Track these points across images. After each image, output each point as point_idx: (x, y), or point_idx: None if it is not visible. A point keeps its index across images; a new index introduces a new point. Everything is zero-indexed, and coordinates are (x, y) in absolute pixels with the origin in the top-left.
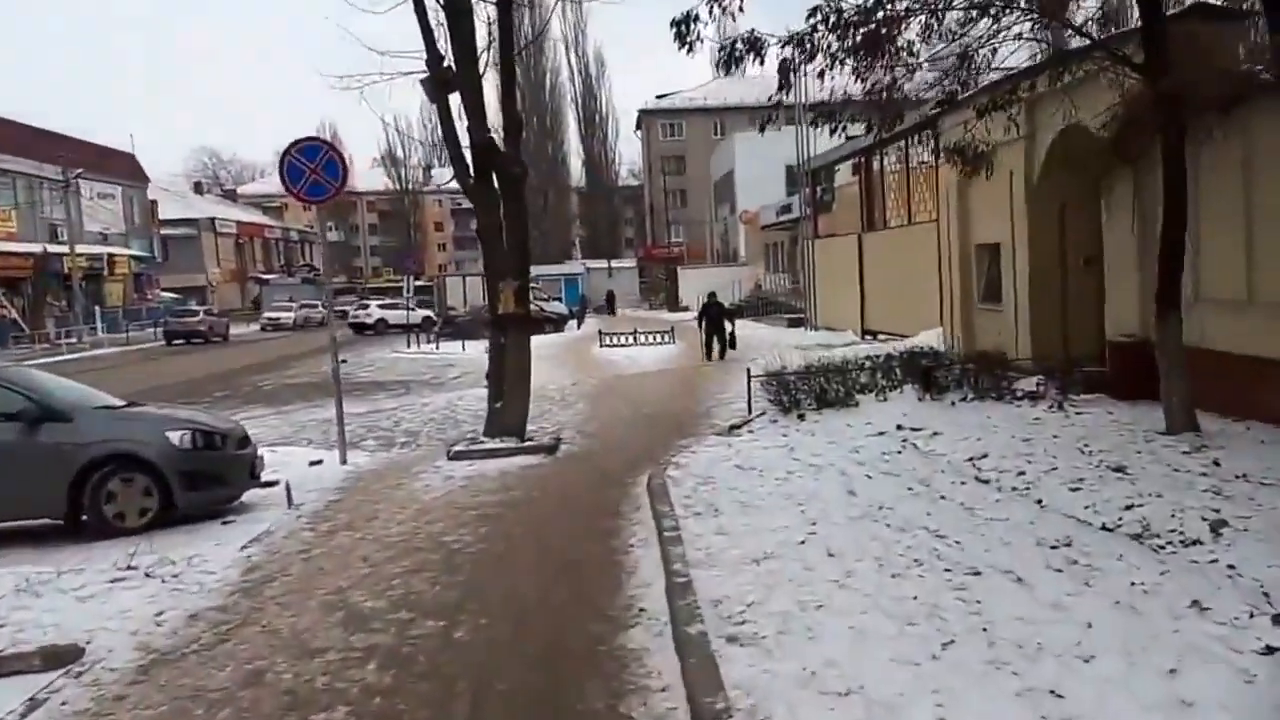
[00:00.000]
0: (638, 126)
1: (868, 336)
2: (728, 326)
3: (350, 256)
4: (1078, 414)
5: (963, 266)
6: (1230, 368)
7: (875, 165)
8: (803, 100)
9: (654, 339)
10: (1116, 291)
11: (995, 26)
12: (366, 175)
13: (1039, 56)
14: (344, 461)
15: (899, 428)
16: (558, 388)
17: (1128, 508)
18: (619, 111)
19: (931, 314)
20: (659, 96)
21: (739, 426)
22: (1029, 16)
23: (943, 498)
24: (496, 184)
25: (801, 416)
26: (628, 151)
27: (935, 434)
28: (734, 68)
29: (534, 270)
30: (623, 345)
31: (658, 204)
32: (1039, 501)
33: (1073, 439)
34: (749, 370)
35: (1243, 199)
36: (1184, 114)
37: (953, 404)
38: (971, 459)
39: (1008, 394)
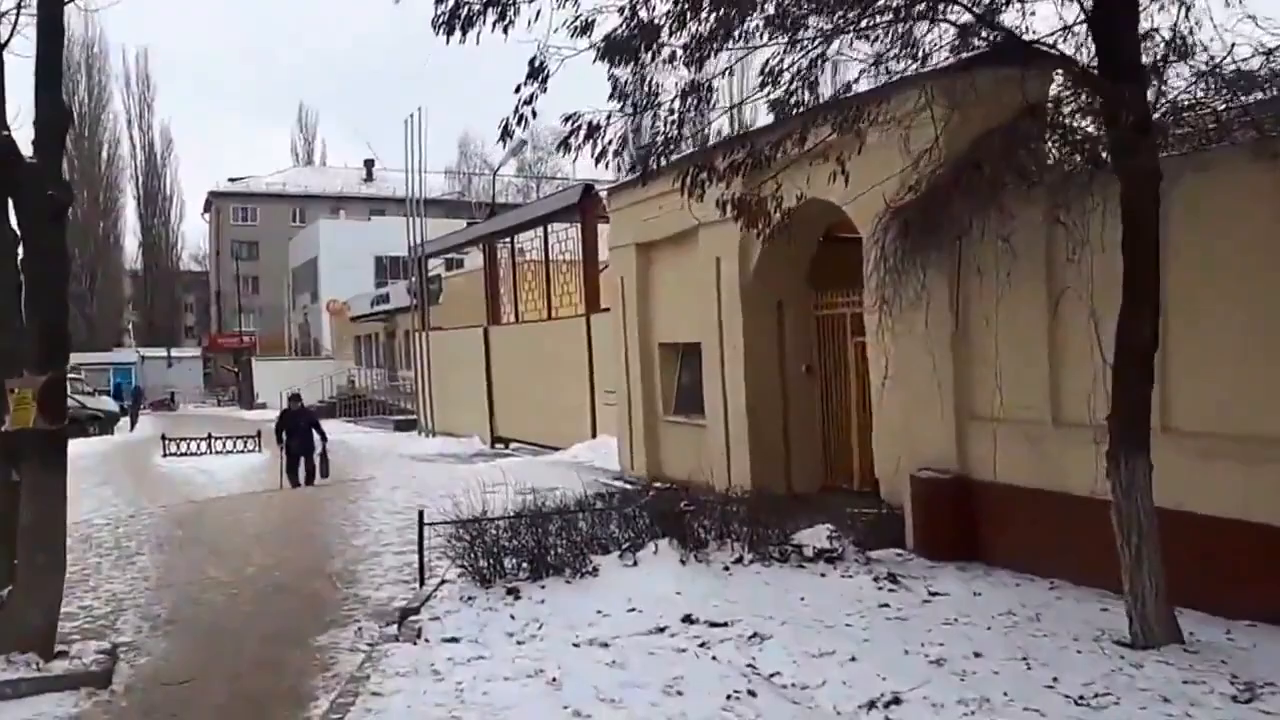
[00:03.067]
0: (206, 209)
1: (498, 445)
2: (317, 443)
3: None
4: (932, 594)
5: (645, 370)
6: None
7: (504, 251)
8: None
9: (235, 445)
10: (919, 413)
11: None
12: None
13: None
14: None
15: (688, 620)
16: (108, 522)
17: None
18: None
19: (582, 423)
20: (231, 180)
21: (415, 611)
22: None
23: None
24: (14, 215)
25: (514, 592)
26: (192, 236)
27: (755, 637)
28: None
29: (74, 358)
30: (194, 454)
31: (227, 289)
32: None
33: (1002, 653)
34: (420, 515)
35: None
36: (1153, 157)
37: (726, 569)
38: (873, 704)
39: (792, 552)
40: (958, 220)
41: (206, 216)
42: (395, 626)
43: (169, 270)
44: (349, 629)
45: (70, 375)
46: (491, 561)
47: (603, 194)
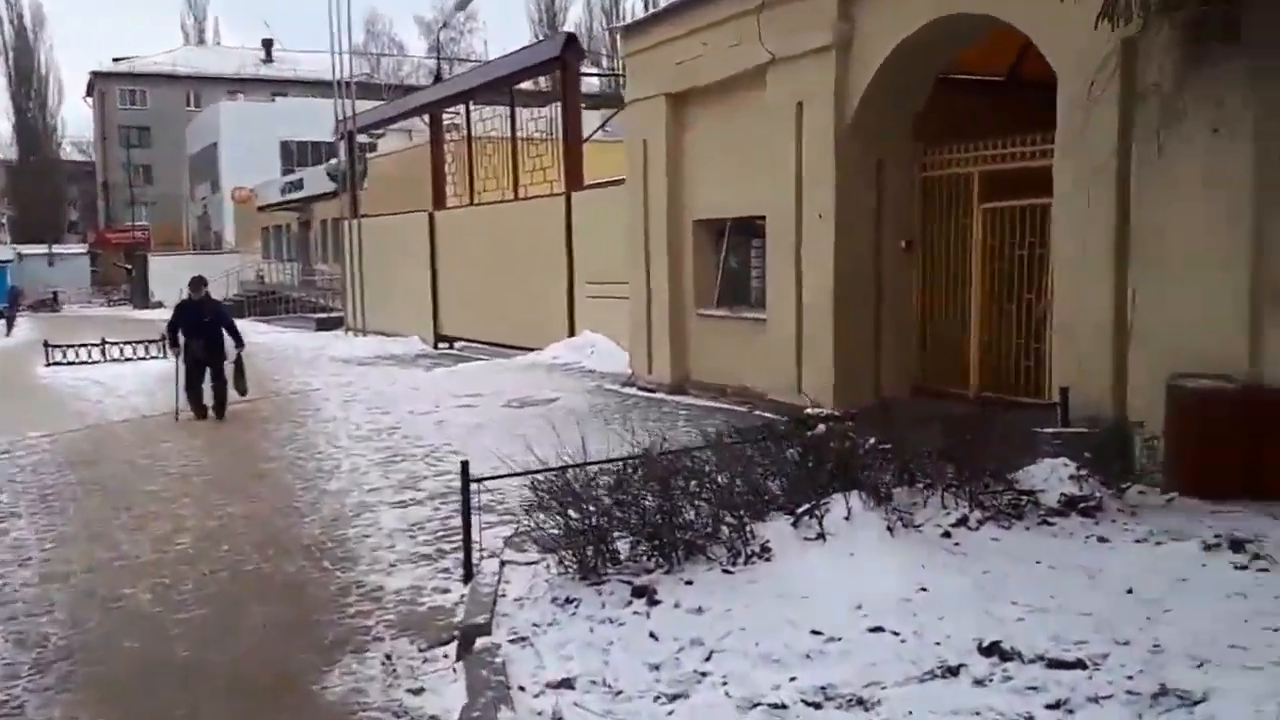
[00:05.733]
0: (89, 92)
1: (443, 345)
2: (230, 349)
3: None
4: None
5: (673, 254)
6: None
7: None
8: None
9: (136, 352)
10: (1181, 298)
11: None
12: None
13: None
14: None
15: (991, 651)
16: None
17: None
18: (63, 74)
19: (557, 319)
20: (116, 60)
21: (484, 629)
22: None
23: None
24: None
25: (643, 593)
26: (75, 122)
27: (1136, 676)
28: None
29: None
30: (84, 363)
31: (116, 180)
32: None
33: None
34: (465, 469)
35: None
36: None
37: (947, 535)
38: None
39: (1029, 503)
40: None
41: (89, 100)
42: (454, 654)
43: (48, 159)
44: (371, 659)
45: None
46: (597, 541)
47: (614, 35)
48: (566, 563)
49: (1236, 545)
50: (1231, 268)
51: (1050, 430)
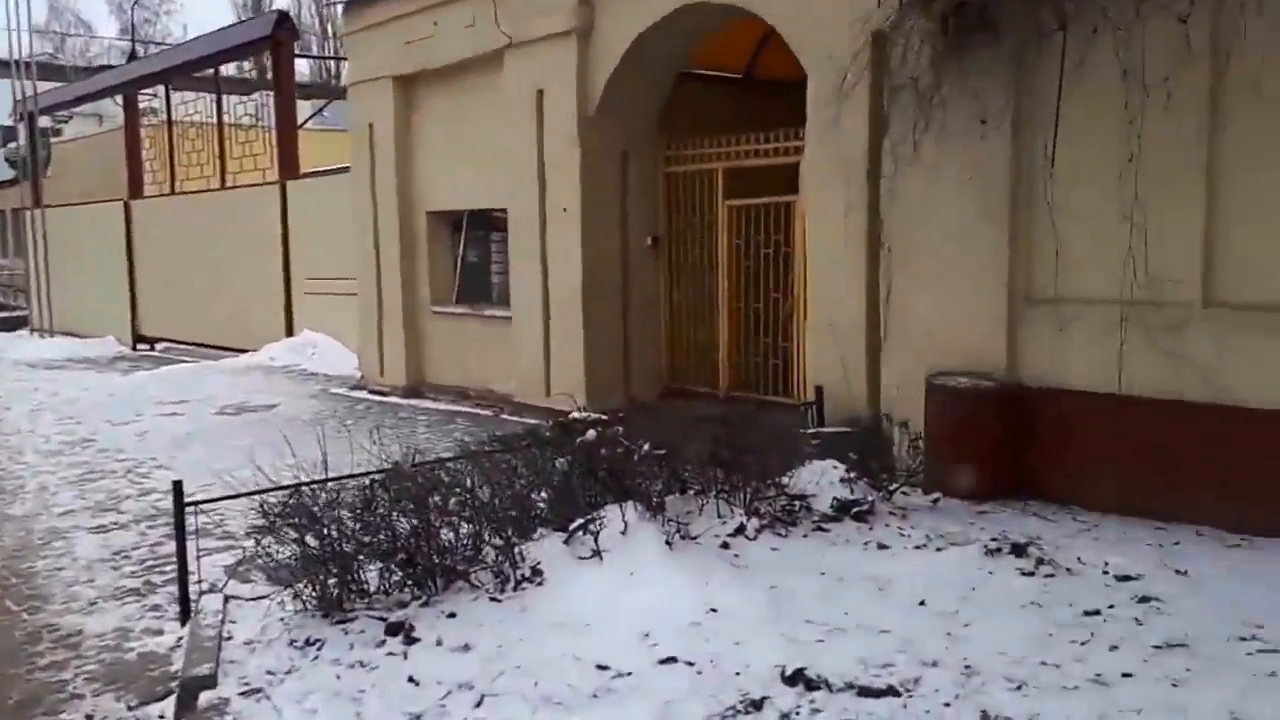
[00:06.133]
0: None
1: (142, 346)
2: None
3: None
4: (1118, 578)
5: (405, 248)
6: None
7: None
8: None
9: None
10: (941, 296)
11: None
12: None
13: None
14: None
15: (795, 680)
16: None
17: None
18: None
19: (273, 318)
20: None
21: (210, 681)
22: None
23: None
24: None
25: (398, 630)
26: None
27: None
28: None
29: None
30: None
31: None
32: None
33: None
34: (179, 490)
35: None
36: None
37: (726, 546)
38: None
39: (801, 509)
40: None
41: None
42: (171, 713)
43: None
44: None
45: None
46: (341, 570)
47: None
48: (305, 597)
49: (1018, 550)
50: (991, 266)
51: (811, 431)
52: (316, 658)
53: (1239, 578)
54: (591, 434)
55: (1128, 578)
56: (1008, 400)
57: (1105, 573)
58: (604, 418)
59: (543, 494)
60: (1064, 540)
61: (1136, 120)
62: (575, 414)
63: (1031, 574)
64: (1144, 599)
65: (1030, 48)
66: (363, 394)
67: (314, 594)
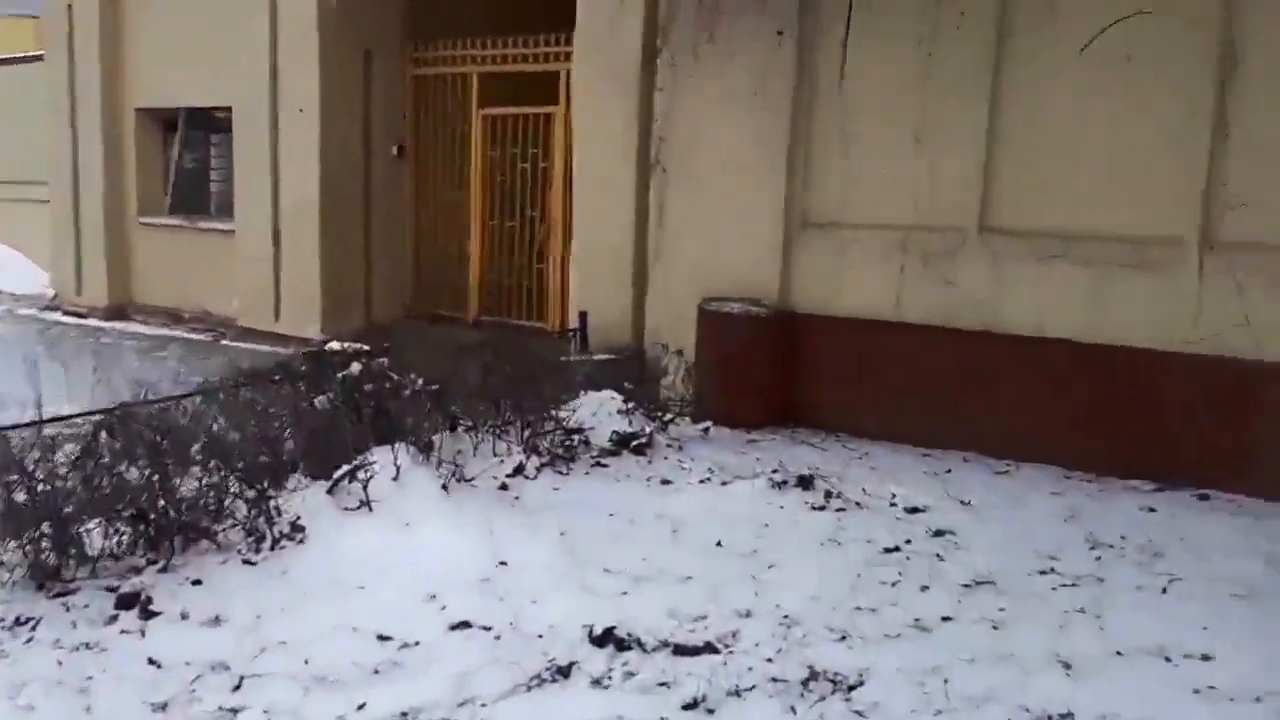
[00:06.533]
0: None
1: None
2: None
3: None
4: (909, 510)
5: (109, 149)
6: None
7: None
8: None
9: None
10: (706, 214)
11: None
12: None
13: None
14: None
15: (604, 641)
16: None
17: None
18: None
19: None
20: None
21: None
22: None
23: None
24: None
25: (132, 602)
26: None
27: (772, 657)
28: None
29: None
30: None
31: None
32: None
33: None
34: None
35: None
36: None
37: (505, 488)
38: None
39: (580, 444)
40: None
41: None
42: None
43: None
44: None
45: None
46: (57, 530)
47: None
48: (10, 565)
49: (804, 482)
50: (766, 187)
51: (578, 359)
52: (30, 639)
53: (1020, 508)
54: (356, 367)
55: (916, 509)
56: (779, 326)
57: (894, 504)
58: (366, 349)
59: (296, 436)
60: (841, 470)
61: (925, 41)
62: (333, 344)
63: (822, 508)
64: (938, 533)
65: None
66: (57, 315)
67: (24, 560)
